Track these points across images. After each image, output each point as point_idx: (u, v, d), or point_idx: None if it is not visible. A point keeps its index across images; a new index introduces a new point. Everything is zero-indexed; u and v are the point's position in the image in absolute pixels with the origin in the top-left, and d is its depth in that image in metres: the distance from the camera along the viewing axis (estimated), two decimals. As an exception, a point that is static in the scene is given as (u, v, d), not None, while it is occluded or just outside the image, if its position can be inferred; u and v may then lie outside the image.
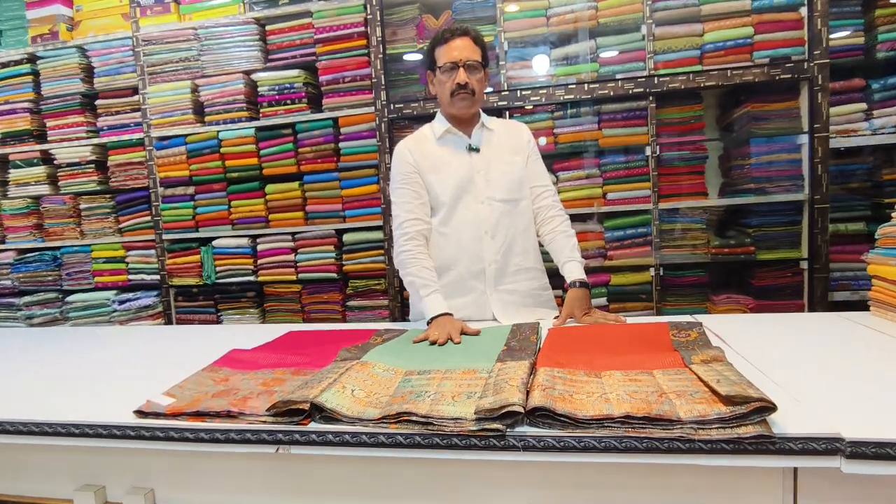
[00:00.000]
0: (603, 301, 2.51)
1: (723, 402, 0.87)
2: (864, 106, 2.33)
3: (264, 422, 1.01)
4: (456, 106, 1.67)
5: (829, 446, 0.80)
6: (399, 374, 1.17)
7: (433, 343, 1.39)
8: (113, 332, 2.01)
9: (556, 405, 0.90)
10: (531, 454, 0.88)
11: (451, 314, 1.54)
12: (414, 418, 0.94)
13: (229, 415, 1.03)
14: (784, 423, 0.83)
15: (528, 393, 0.97)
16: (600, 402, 0.93)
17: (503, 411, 0.90)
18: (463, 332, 1.47)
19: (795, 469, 0.84)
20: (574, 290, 1.63)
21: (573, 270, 1.66)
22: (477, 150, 1.71)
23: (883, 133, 2.30)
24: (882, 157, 2.39)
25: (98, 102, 2.96)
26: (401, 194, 1.71)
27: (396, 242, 1.70)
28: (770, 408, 0.83)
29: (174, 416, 1.05)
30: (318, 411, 0.99)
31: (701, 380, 0.98)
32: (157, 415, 1.06)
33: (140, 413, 1.07)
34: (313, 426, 0.98)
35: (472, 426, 0.91)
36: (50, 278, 3.09)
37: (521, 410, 0.90)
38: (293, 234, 2.79)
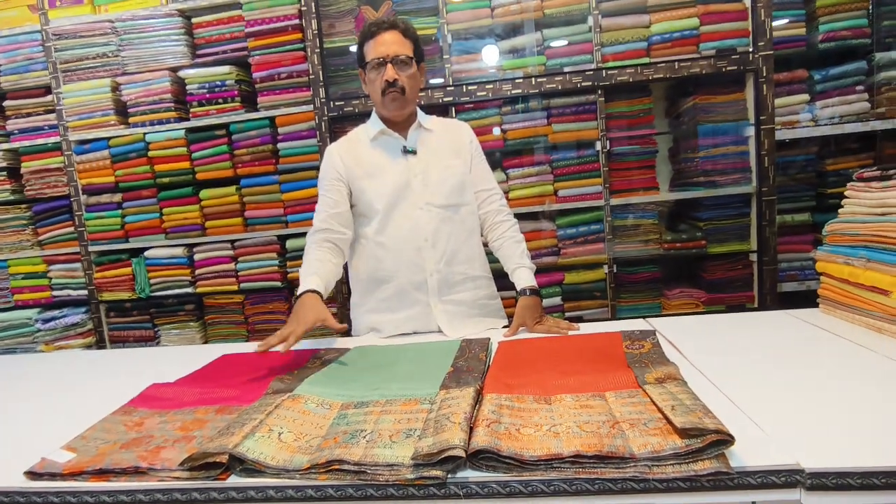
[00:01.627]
0: (557, 301, 2.46)
1: (678, 434, 0.81)
2: (806, 97, 2.35)
3: (177, 478, 0.89)
4: (388, 107, 1.56)
5: (789, 479, 0.76)
6: (335, 408, 1.07)
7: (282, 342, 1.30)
8: (20, 361, 1.81)
9: (502, 445, 0.82)
10: (474, 501, 0.80)
11: (317, 293, 1.41)
12: (346, 466, 0.84)
13: (137, 471, 0.91)
14: (741, 453, 0.78)
15: (471, 429, 0.89)
16: (549, 438, 0.85)
17: (443, 455, 0.81)
18: (326, 327, 1.35)
19: (753, 502, 0.79)
20: (525, 298, 1.55)
21: (523, 277, 1.59)
22: (413, 152, 1.60)
23: (825, 124, 2.32)
24: (824, 147, 2.42)
25: (6, 103, 2.71)
26: (321, 201, 1.62)
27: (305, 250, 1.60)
28: (727, 441, 0.77)
29: (73, 475, 0.92)
30: (238, 462, 0.88)
31: (655, 404, 0.92)
32: (52, 475, 0.92)
33: (32, 474, 0.93)
34: (233, 480, 0.87)
35: (409, 474, 0.82)
36: (-38, 298, 2.83)
37: (462, 454, 0.81)
38: (232, 241, 2.63)
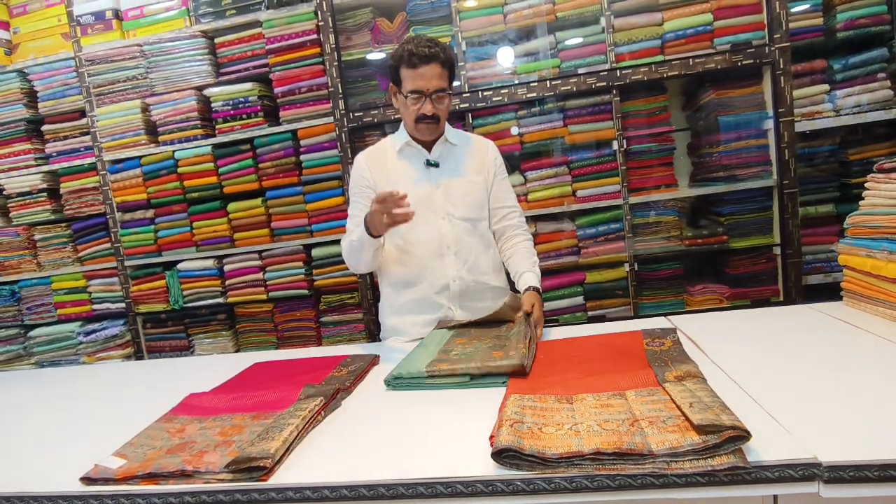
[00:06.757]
0: (579, 300, 2.48)
1: (696, 431, 0.84)
2: (826, 87, 2.31)
3: (221, 479, 0.95)
4: (421, 133, 1.63)
5: (807, 472, 0.77)
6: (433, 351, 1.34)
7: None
8: (68, 374, 1.90)
9: (525, 443, 0.86)
10: (499, 499, 0.84)
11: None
12: (470, 371, 1.20)
13: (183, 474, 0.97)
14: (759, 448, 0.80)
15: (497, 427, 0.93)
16: (570, 437, 0.89)
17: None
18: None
19: (775, 496, 0.81)
20: (531, 293, 1.56)
21: (530, 280, 1.60)
22: (436, 165, 1.65)
23: (847, 113, 2.28)
24: (847, 137, 2.38)
25: (45, 128, 2.84)
26: (353, 206, 1.70)
27: (342, 252, 1.69)
28: (744, 436, 0.79)
29: (125, 479, 0.99)
30: (278, 465, 0.95)
31: (674, 402, 0.94)
32: (106, 480, 0.99)
33: (87, 480, 1.00)
34: (273, 482, 0.92)
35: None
36: (9, 314, 2.97)
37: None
38: (260, 252, 2.71)
